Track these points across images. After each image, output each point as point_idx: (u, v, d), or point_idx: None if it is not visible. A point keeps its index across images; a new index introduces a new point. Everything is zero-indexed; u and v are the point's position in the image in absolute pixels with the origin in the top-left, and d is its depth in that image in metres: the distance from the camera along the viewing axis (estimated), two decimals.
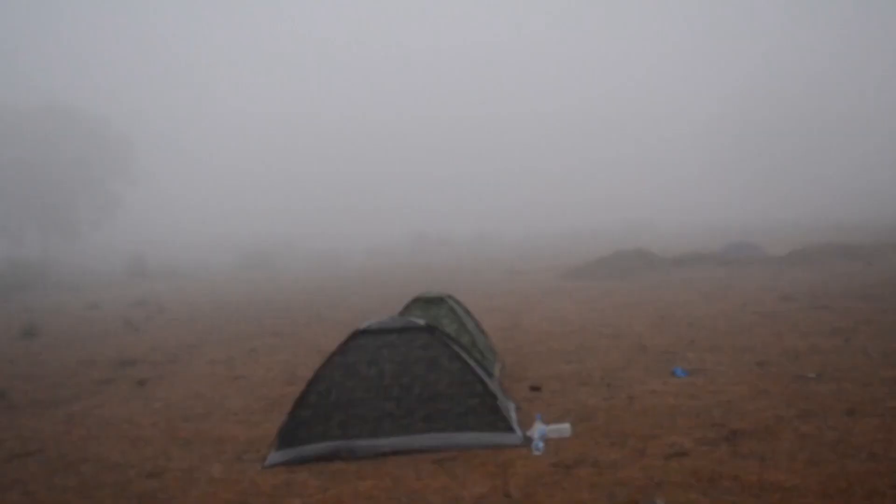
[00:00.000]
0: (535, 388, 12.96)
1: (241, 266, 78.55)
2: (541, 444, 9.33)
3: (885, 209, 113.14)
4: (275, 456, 9.62)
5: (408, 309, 15.30)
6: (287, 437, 9.71)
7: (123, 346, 23.18)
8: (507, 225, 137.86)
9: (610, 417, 10.70)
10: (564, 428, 10.00)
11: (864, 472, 7.82)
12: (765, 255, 46.50)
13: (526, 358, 16.42)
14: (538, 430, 9.74)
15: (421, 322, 10.70)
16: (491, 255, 77.52)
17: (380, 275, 56.14)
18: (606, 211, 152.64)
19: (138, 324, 29.49)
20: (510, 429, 9.67)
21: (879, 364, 13.46)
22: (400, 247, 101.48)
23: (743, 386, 12.20)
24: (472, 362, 10.63)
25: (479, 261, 68.69)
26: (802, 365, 13.71)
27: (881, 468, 7.91)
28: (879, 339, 16.08)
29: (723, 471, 8.17)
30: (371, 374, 10.01)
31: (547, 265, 54.36)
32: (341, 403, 9.80)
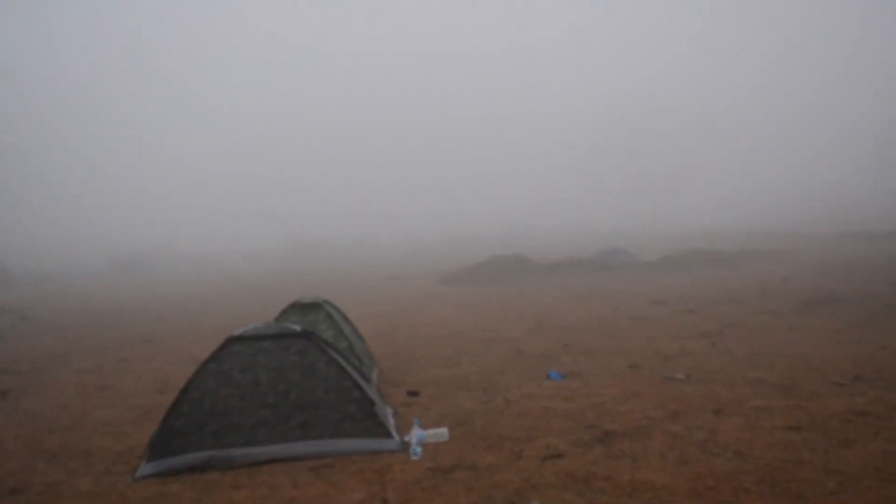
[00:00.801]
0: (412, 393, 12.94)
1: (112, 271, 76.00)
2: (418, 449, 9.32)
3: (749, 216, 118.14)
4: (146, 468, 9.29)
5: (284, 315, 15.08)
6: (158, 447, 9.39)
7: None
8: (387, 230, 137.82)
9: (487, 421, 10.77)
10: (442, 432, 10.00)
11: (731, 470, 8.08)
12: (637, 261, 47.86)
13: (404, 363, 16.40)
14: (416, 435, 9.72)
15: (297, 328, 10.54)
16: (371, 261, 77.34)
17: (257, 280, 55.25)
18: (486, 217, 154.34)
19: (0, 333, 28.13)
20: (388, 434, 9.61)
21: (744, 365, 14.01)
22: (278, 252, 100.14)
23: (616, 388, 12.48)
24: (349, 368, 10.54)
25: (358, 266, 68.43)
26: (672, 367, 14.15)
27: (746, 466, 8.20)
28: (744, 342, 16.75)
29: (596, 471, 8.32)
30: (246, 381, 9.79)
31: (426, 270, 54.58)
32: (215, 412, 9.55)
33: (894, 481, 7.50)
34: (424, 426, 10.36)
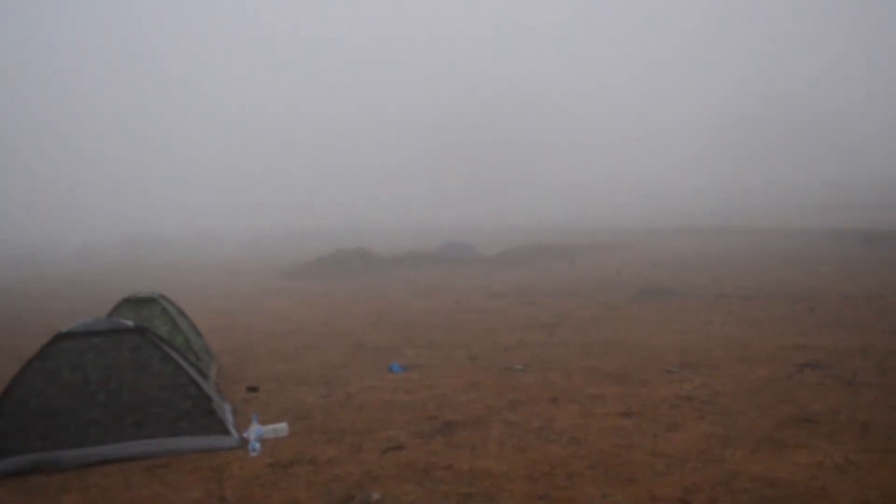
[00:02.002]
0: (252, 389, 12.73)
1: None
2: (257, 445, 9.17)
3: (587, 211, 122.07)
4: None
5: (117, 310, 14.53)
6: None
7: None
8: (228, 224, 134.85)
9: (328, 415, 10.71)
10: (281, 427, 9.89)
11: (566, 456, 8.34)
12: (478, 254, 48.62)
13: (244, 359, 16.13)
14: (255, 430, 9.56)
15: (130, 323, 10.18)
16: (211, 255, 75.55)
17: (89, 276, 52.98)
18: (329, 211, 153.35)
19: None
20: (226, 431, 9.42)
21: (579, 355, 14.49)
22: (112, 248, 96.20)
23: (456, 379, 12.66)
24: (185, 364, 10.25)
25: (197, 261, 66.73)
26: (511, 357, 14.47)
27: (581, 451, 8.48)
28: (579, 332, 17.33)
29: (437, 461, 8.41)
30: (75, 380, 9.37)
31: (268, 265, 53.76)
32: (42, 412, 9.09)
33: (717, 462, 7.92)
34: (264, 422, 10.20)
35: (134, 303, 14.65)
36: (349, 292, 31.21)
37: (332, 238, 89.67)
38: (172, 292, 19.73)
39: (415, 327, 19.50)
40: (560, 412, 10.15)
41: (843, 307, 19.34)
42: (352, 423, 10.22)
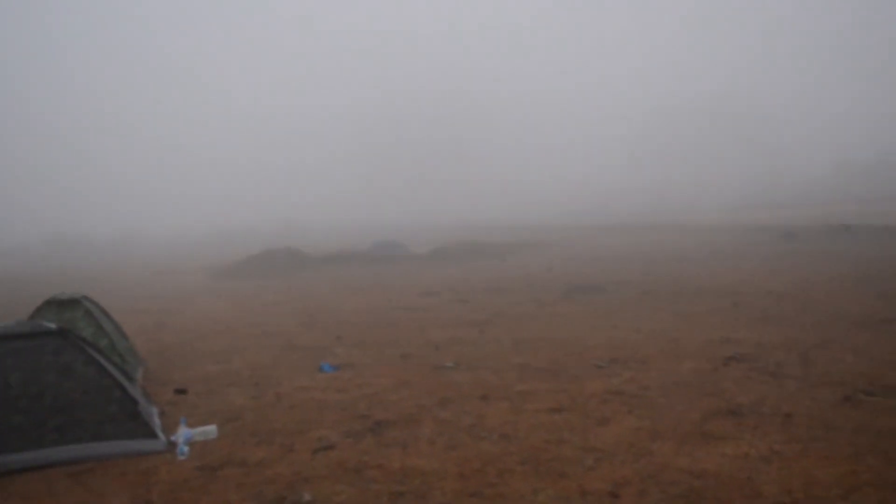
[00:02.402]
0: (180, 391, 12.52)
1: None
2: (185, 449, 9.02)
3: (520, 209, 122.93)
4: None
5: (38, 312, 14.16)
6: None
7: None
8: (156, 223, 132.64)
9: (258, 416, 10.59)
10: (210, 430, 9.74)
11: (497, 453, 8.37)
12: (410, 253, 48.64)
13: (172, 360, 15.85)
14: (183, 433, 9.40)
15: (52, 326, 9.92)
16: (138, 255, 74.22)
17: (9, 277, 51.59)
18: (259, 210, 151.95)
19: None
20: (152, 435, 9.24)
21: (510, 351, 14.58)
22: (34, 248, 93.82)
23: (387, 378, 12.63)
24: (110, 367, 10.04)
25: (124, 261, 65.46)
26: (442, 355, 14.49)
27: (511, 447, 8.52)
28: (510, 329, 17.43)
29: (368, 460, 8.37)
30: None
31: (197, 264, 53.04)
32: None
33: (645, 455, 8.03)
34: (192, 424, 10.03)
35: (56, 305, 14.30)
36: (279, 292, 30.92)
37: (263, 238, 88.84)
38: (97, 293, 19.34)
39: (346, 326, 19.40)
40: (491, 409, 10.19)
41: (766, 302, 19.80)
42: (282, 423, 10.12)
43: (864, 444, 7.97)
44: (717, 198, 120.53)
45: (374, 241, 56.15)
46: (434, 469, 7.96)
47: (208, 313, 24.59)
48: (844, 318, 16.42)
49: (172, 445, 9.21)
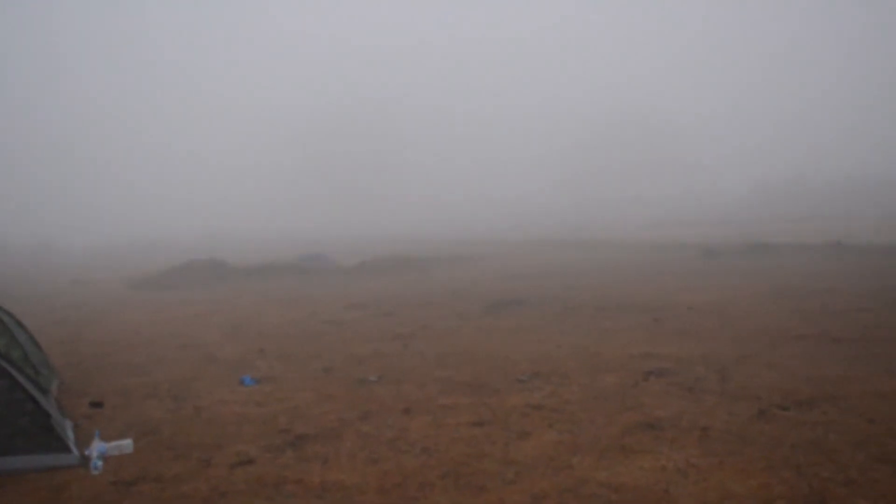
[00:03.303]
0: (96, 404, 12.22)
1: None
2: (99, 463, 8.80)
3: (451, 223, 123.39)
4: None
5: None
6: None
7: None
8: (73, 232, 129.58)
9: (176, 430, 10.40)
10: (126, 444, 9.53)
11: (417, 466, 8.37)
12: (336, 265, 48.38)
13: (89, 372, 15.47)
14: (97, 447, 9.17)
15: None
16: (54, 264, 72.38)
17: None
18: (182, 220, 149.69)
19: None
20: (66, 449, 8.99)
21: (434, 365, 14.58)
22: None
23: (309, 392, 12.53)
24: (22, 379, 9.73)
25: (39, 270, 63.77)
26: (366, 369, 14.42)
27: (432, 461, 8.52)
28: (435, 343, 17.44)
29: (287, 475, 8.29)
30: None
31: (116, 275, 51.91)
32: None
33: (565, 468, 8.10)
34: (108, 438, 9.80)
35: None
36: (202, 303, 30.45)
37: (185, 248, 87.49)
38: (10, 303, 18.79)
39: (269, 339, 19.19)
40: (413, 423, 10.18)
41: (686, 317, 20.15)
42: (200, 437, 9.96)
43: (778, 457, 8.16)
44: (641, 215, 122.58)
45: (301, 253, 55.81)
46: (354, 483, 7.92)
47: (127, 324, 24.08)
48: (762, 333, 16.80)
49: (86, 459, 8.99)
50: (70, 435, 9.69)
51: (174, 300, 32.82)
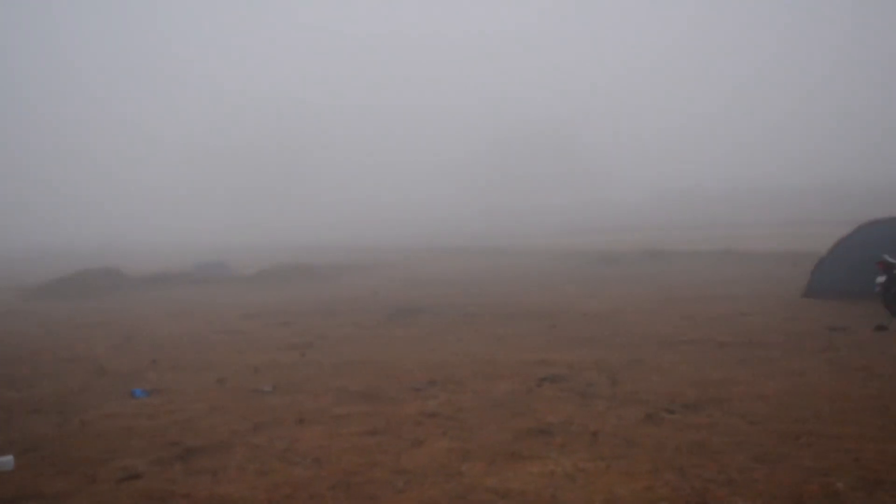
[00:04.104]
0: None
1: None
2: None
3: (353, 231, 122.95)
4: None
5: None
6: None
7: None
8: None
9: (60, 445, 10.09)
10: (6, 461, 9.19)
11: (308, 477, 8.30)
12: (234, 274, 47.81)
13: None
14: None
15: None
16: None
17: None
18: (75, 229, 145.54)
19: None
20: None
21: (330, 375, 14.50)
22: None
23: (201, 403, 12.31)
24: None
25: None
26: (260, 379, 14.26)
27: (323, 472, 8.46)
28: (332, 352, 17.36)
29: (175, 489, 8.13)
30: None
31: (5, 284, 50.04)
32: None
33: (455, 476, 8.15)
34: None
35: None
36: (93, 314, 29.62)
37: (82, 255, 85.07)
38: None
39: (162, 350, 18.78)
40: (305, 433, 10.10)
41: (582, 323, 20.54)
42: (86, 452, 9.68)
43: (663, 460, 8.37)
44: (547, 223, 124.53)
45: (198, 261, 54.87)
46: (243, 496, 7.82)
47: (13, 336, 23.24)
48: (652, 338, 17.24)
49: None
50: None
51: (66, 310, 31.87)
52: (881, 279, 19.07)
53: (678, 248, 49.60)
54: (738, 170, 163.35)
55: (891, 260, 19.07)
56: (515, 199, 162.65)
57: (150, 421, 11.26)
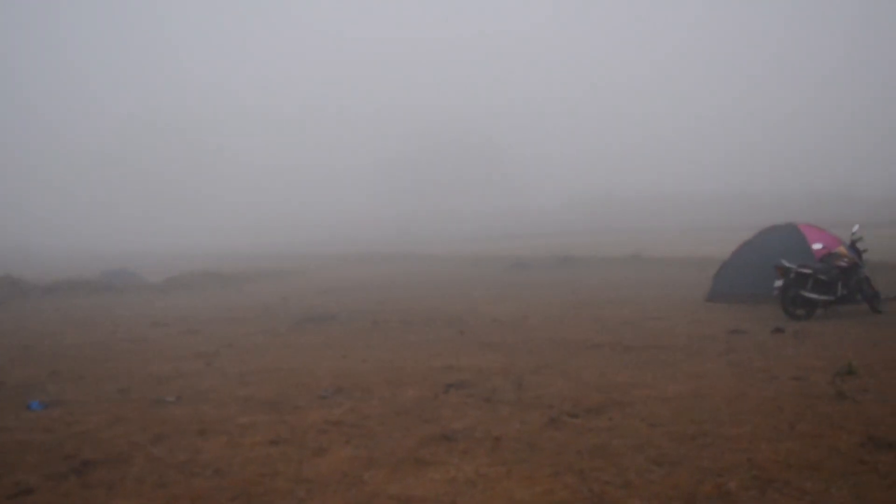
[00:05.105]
0: None
1: None
2: None
3: (264, 238, 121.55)
4: None
5: None
6: None
7: None
8: None
9: None
10: None
11: (208, 489, 8.18)
12: (143, 281, 46.88)
13: None
14: None
15: None
16: None
17: None
18: None
19: None
20: None
21: (236, 384, 14.30)
22: None
23: (101, 415, 12.01)
24: None
25: None
26: (164, 389, 13.99)
27: (224, 483, 8.35)
28: (239, 361, 17.13)
29: (70, 503, 7.93)
30: None
31: None
32: None
33: (357, 484, 8.13)
34: None
35: None
36: None
37: None
38: None
39: (63, 360, 18.24)
40: (207, 444, 9.95)
41: (490, 329, 20.68)
42: None
43: (563, 463, 8.49)
44: (461, 230, 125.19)
45: (105, 269, 53.61)
46: None
47: None
48: (559, 343, 17.45)
49: None
50: None
51: None
52: (779, 283, 19.82)
53: (589, 253, 50.38)
54: (653, 176, 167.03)
55: (787, 265, 19.78)
56: (429, 204, 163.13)
57: (46, 434, 10.93)
